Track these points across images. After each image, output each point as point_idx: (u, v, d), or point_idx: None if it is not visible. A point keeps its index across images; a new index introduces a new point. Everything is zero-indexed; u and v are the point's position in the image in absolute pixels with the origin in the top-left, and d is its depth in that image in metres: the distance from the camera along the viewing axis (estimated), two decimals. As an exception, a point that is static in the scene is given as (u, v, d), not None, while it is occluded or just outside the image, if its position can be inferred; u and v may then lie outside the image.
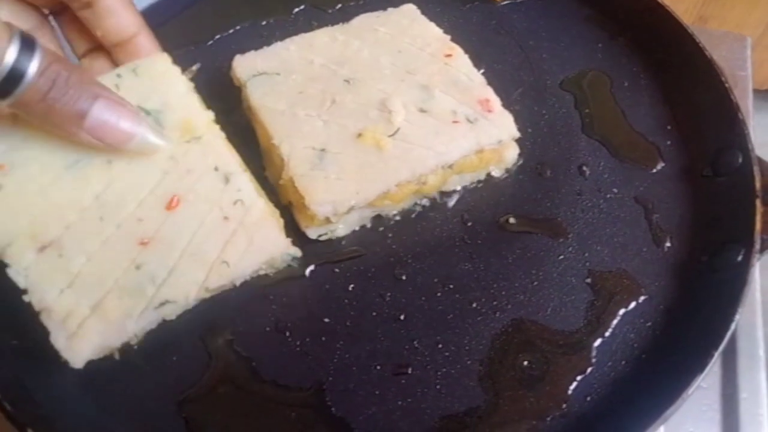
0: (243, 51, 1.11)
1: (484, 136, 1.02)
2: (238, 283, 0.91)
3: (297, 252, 0.99)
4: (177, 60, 1.22)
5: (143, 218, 0.87)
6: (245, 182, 0.93)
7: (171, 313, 0.87)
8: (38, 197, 0.85)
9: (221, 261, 0.87)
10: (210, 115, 0.95)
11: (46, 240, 0.84)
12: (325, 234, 1.03)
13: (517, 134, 1.06)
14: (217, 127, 0.95)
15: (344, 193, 0.96)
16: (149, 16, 1.27)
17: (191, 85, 0.96)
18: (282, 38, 1.14)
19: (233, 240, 0.88)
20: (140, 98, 0.89)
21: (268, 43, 1.13)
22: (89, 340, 0.82)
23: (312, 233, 1.01)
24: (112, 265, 0.84)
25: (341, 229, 1.03)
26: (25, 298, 0.85)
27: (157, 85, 0.92)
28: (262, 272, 0.97)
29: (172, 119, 0.90)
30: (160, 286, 0.85)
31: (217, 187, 0.90)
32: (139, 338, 0.90)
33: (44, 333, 0.93)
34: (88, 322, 0.82)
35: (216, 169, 0.91)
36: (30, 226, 0.83)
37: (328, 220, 0.98)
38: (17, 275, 0.83)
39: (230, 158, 0.94)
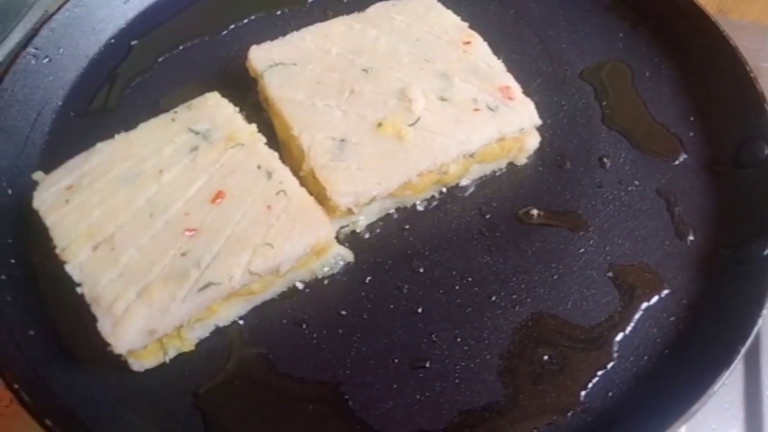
0: (258, 41, 1.10)
1: (506, 124, 1.01)
2: (284, 269, 0.91)
3: (349, 255, 0.99)
4: (190, 50, 1.23)
5: (190, 212, 0.92)
6: (287, 176, 0.96)
7: (216, 296, 0.88)
8: (97, 206, 0.93)
9: (265, 243, 0.89)
10: (252, 127, 1.01)
11: (100, 238, 0.90)
12: (347, 226, 1.02)
13: (539, 122, 1.04)
14: (258, 135, 1.01)
15: (366, 183, 0.95)
16: (163, 7, 1.29)
17: (236, 108, 1.04)
18: (297, 28, 1.13)
19: (277, 225, 0.91)
20: (191, 123, 1.00)
21: (284, 33, 1.12)
22: (134, 324, 0.84)
23: (334, 225, 0.99)
24: (159, 254, 0.88)
25: (362, 220, 1.02)
26: (78, 290, 0.87)
27: (207, 113, 1.02)
28: (320, 276, 0.98)
29: (219, 134, 0.99)
30: (204, 270, 0.87)
31: (260, 182, 0.95)
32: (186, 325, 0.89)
33: (61, 324, 0.94)
34: (133, 306, 0.85)
35: (259, 167, 0.96)
36: (88, 229, 0.90)
37: (349, 211, 0.97)
38: (73, 270, 0.88)
39: (272, 157, 0.98)
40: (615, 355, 0.93)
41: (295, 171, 0.98)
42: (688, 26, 1.19)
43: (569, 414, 0.89)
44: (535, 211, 1.05)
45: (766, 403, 1.00)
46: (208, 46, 1.23)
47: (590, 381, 0.91)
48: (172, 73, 1.20)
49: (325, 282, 0.99)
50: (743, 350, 0.85)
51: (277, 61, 1.07)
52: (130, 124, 1.03)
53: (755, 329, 0.87)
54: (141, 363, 0.89)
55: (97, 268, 0.88)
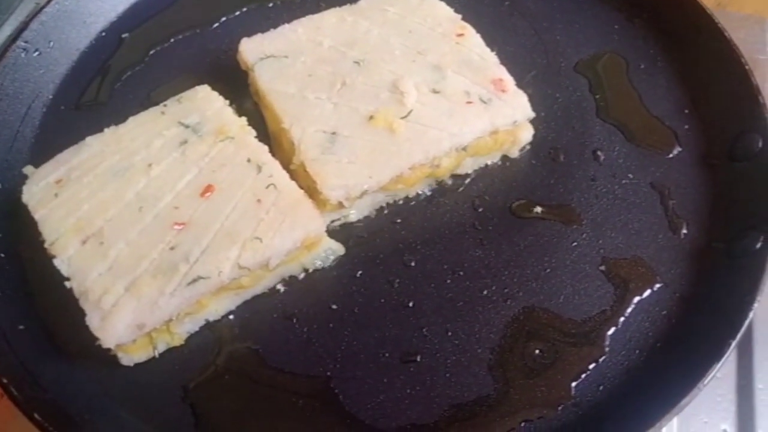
0: (250, 34, 1.10)
1: (499, 117, 1.00)
2: (273, 263, 0.90)
3: (340, 249, 0.99)
4: (181, 43, 1.22)
5: (179, 206, 0.91)
6: (277, 170, 0.96)
7: (205, 290, 0.87)
8: (86, 200, 0.92)
9: (254, 237, 0.89)
10: (242, 120, 1.01)
11: (89, 232, 0.89)
12: (338, 220, 1.01)
13: (532, 114, 1.03)
14: (248, 128, 1.00)
15: (357, 177, 0.94)
16: (154, 0, 1.28)
17: (227, 102, 1.03)
18: (289, 20, 1.12)
19: (266, 219, 0.91)
20: (181, 117, 1.00)
21: (276, 26, 1.11)
22: (122, 318, 0.84)
23: (324, 219, 0.99)
24: (148, 248, 0.88)
25: (353, 214, 1.01)
26: (67, 284, 0.87)
27: (197, 106, 1.01)
28: (310, 269, 0.98)
29: (208, 127, 0.99)
30: (193, 264, 0.87)
31: (249, 176, 0.94)
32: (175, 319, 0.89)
33: (51, 318, 0.94)
34: (121, 301, 0.84)
35: (248, 160, 0.96)
36: (76, 223, 0.90)
37: (340, 205, 0.97)
38: (62, 264, 0.88)
39: (262, 150, 0.98)
40: (606, 348, 0.92)
41: (286, 164, 0.98)
42: (684, 18, 1.18)
43: (560, 408, 0.88)
44: (528, 205, 1.04)
45: (758, 396, 0.99)
46: (200, 39, 1.22)
47: (581, 375, 0.91)
48: (164, 66, 1.19)
49: (316, 276, 0.99)
50: (734, 343, 0.85)
51: (268, 53, 1.06)
52: (120, 118, 1.02)
53: (747, 322, 0.86)
54: (130, 357, 0.89)
55: (86, 262, 0.87)
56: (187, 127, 0.99)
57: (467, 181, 1.07)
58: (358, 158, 0.96)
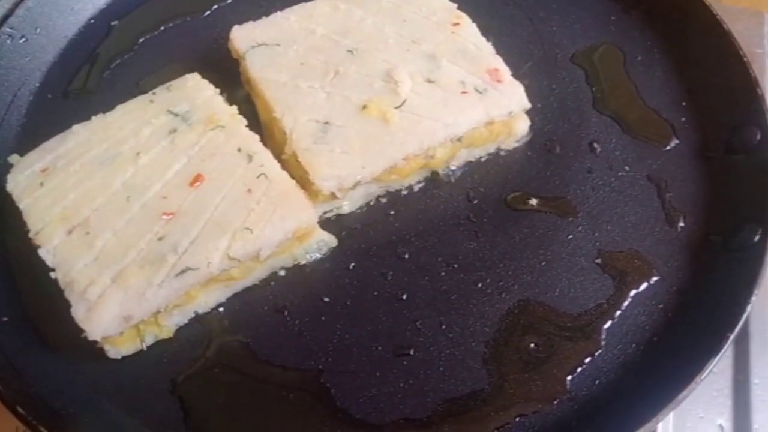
0: (241, 22, 1.08)
1: (494, 107, 0.99)
2: (264, 254, 0.89)
3: (333, 240, 0.97)
4: (171, 31, 1.20)
5: (167, 195, 0.90)
6: (269, 159, 0.94)
7: (194, 282, 0.85)
8: (72, 189, 0.90)
9: (244, 228, 0.87)
10: (233, 109, 0.99)
11: (75, 222, 0.88)
12: (331, 211, 1.00)
13: (528, 105, 1.02)
14: (239, 117, 0.98)
15: (350, 167, 0.93)
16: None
17: (217, 90, 1.01)
18: (282, 8, 1.10)
19: (257, 209, 0.89)
20: (170, 105, 0.98)
21: (268, 13, 1.09)
22: (108, 310, 0.82)
23: (317, 210, 0.97)
24: (135, 238, 0.86)
25: (346, 205, 0.99)
26: (52, 275, 0.85)
27: (187, 94, 0.99)
28: (302, 262, 0.96)
29: (198, 116, 0.97)
30: (182, 255, 0.85)
31: (240, 165, 0.93)
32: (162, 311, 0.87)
33: (36, 310, 0.92)
34: (108, 292, 0.83)
35: (239, 150, 0.94)
36: (62, 212, 0.88)
37: (333, 196, 0.95)
38: (47, 254, 0.86)
39: (253, 140, 0.96)
40: (602, 342, 0.91)
41: (277, 154, 0.96)
42: (681, 10, 1.16)
43: (555, 402, 0.87)
44: (523, 197, 1.03)
45: (754, 391, 0.99)
46: (190, 27, 1.20)
47: (577, 369, 0.90)
48: (153, 54, 1.17)
49: (308, 268, 0.97)
50: (732, 337, 0.84)
51: (259, 41, 1.04)
52: (109, 106, 1.00)
53: (744, 316, 0.85)
54: (117, 350, 0.87)
55: (72, 252, 0.85)
56: (176, 115, 0.97)
57: (462, 172, 1.05)
58: (351, 148, 0.94)
